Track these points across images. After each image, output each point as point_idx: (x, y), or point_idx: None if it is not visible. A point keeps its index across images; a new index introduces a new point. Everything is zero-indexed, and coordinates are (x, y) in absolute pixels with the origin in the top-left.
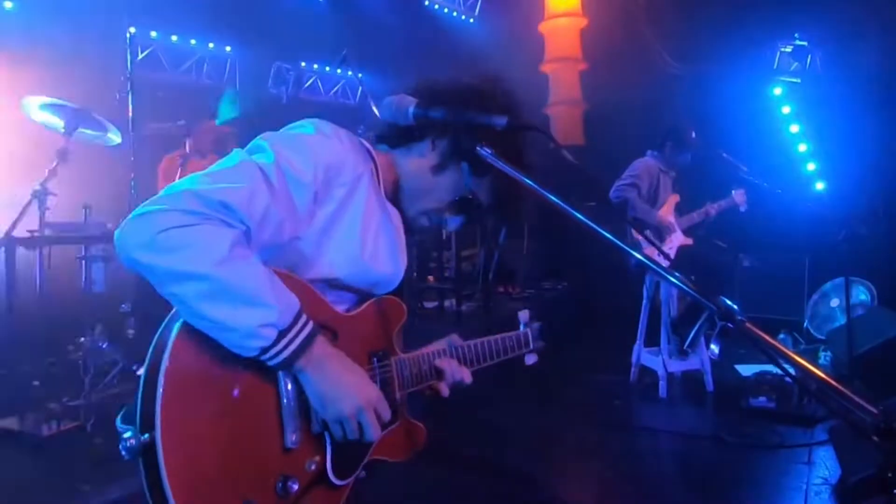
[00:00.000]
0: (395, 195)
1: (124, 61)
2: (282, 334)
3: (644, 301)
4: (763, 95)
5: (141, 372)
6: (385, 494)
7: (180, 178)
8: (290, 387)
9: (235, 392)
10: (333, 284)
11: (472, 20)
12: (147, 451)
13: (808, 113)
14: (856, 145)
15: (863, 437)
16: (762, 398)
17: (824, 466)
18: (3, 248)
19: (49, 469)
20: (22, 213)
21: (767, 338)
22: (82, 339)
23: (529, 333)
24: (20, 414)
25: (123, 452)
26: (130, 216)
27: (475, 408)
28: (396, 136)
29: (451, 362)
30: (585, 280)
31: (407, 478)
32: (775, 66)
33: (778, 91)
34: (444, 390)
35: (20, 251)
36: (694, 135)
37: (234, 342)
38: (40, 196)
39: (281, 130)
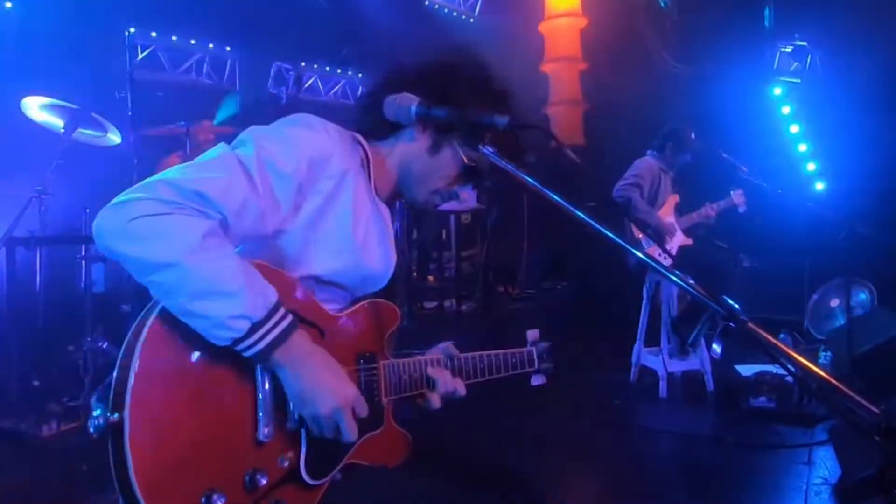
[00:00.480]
0: (393, 186)
1: (124, 61)
2: (255, 326)
3: (644, 301)
4: (763, 95)
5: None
6: (381, 497)
7: None
8: (267, 379)
9: (211, 379)
10: (322, 281)
11: (472, 20)
12: (114, 431)
13: (808, 113)
14: (856, 145)
15: (864, 436)
16: (762, 398)
17: (824, 466)
18: (3, 248)
19: (49, 469)
20: (21, 214)
21: (770, 337)
22: (82, 339)
23: (535, 352)
24: (20, 414)
25: (91, 430)
26: (107, 205)
27: (473, 408)
28: (381, 128)
29: (444, 373)
30: (585, 280)
31: (405, 479)
32: (775, 66)
33: (778, 91)
34: (436, 401)
35: (20, 251)
36: (693, 136)
37: (205, 331)
38: (40, 196)
39: (268, 125)
